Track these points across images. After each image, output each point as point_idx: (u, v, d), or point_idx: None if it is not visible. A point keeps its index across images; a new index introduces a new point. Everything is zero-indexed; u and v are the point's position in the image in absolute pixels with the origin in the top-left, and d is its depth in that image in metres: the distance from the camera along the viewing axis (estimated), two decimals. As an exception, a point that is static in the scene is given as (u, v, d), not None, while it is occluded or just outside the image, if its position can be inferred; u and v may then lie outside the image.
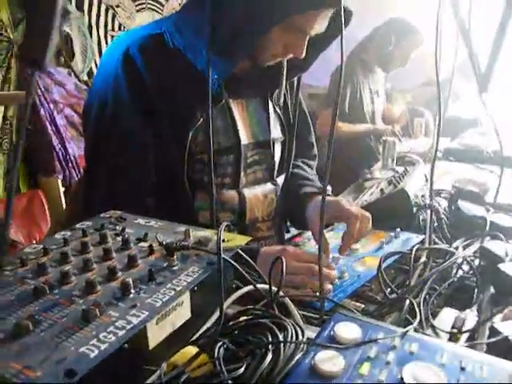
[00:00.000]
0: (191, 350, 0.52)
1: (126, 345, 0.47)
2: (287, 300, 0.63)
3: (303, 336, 0.50)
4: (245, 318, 0.58)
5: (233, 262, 0.58)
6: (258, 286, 0.62)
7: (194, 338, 0.55)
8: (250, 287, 0.63)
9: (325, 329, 0.50)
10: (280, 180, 1.13)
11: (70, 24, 2.98)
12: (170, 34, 0.92)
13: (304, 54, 0.90)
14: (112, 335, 0.46)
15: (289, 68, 1.03)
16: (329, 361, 0.44)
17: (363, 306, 0.82)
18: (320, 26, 0.90)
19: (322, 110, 2.31)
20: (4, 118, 2.69)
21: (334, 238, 1.05)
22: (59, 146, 2.85)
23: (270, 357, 0.44)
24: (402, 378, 0.43)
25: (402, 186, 1.14)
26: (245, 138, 1.02)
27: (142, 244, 0.65)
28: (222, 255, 0.58)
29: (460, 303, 0.84)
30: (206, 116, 0.88)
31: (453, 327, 0.75)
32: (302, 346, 0.47)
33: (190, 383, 0.43)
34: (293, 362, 0.45)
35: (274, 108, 1.08)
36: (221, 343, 0.47)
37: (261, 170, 1.09)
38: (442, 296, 0.86)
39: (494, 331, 0.69)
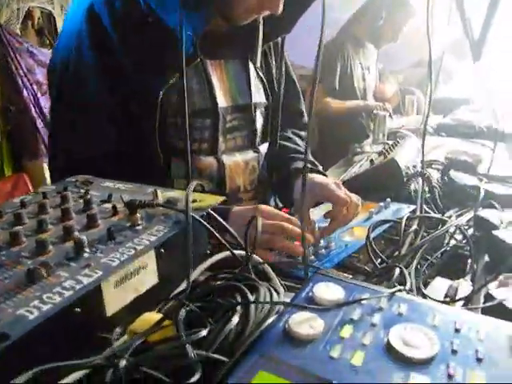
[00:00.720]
0: (153, 316, 0.47)
1: (77, 309, 0.42)
2: (265, 266, 0.57)
3: (278, 297, 0.44)
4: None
5: (202, 220, 0.52)
6: (234, 250, 0.57)
7: (159, 304, 0.49)
8: (226, 253, 0.57)
9: (303, 290, 0.45)
10: (263, 148, 1.07)
11: (53, 2, 2.88)
12: None
13: (280, 11, 0.83)
14: (57, 296, 0.40)
15: (269, 29, 0.97)
16: (305, 323, 0.38)
17: (351, 276, 0.76)
18: None
19: (310, 86, 2.25)
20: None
21: (322, 209, 1.00)
22: (44, 128, 2.77)
23: (236, 319, 0.38)
24: (388, 341, 0.37)
25: (393, 155, 1.08)
26: (223, 100, 0.96)
27: (106, 205, 0.59)
28: (191, 213, 0.52)
29: (453, 273, 0.79)
30: (180, 75, 0.82)
31: (446, 296, 0.70)
32: (275, 308, 0.42)
33: (146, 348, 0.38)
34: (265, 325, 0.39)
35: (257, 71, 1.02)
36: (184, 306, 0.41)
37: (241, 137, 1.02)
38: (435, 266, 0.81)
39: (488, 298, 0.64)
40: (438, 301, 0.67)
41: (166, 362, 0.35)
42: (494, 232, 0.79)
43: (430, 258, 0.80)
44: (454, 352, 0.37)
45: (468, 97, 2.65)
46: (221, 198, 0.59)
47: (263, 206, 0.84)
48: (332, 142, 2.14)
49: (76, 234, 0.50)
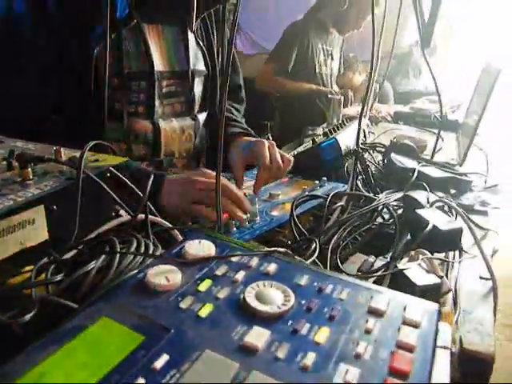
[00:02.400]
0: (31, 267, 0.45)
1: None
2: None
3: (155, 252, 0.44)
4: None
5: (92, 175, 0.51)
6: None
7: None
8: (125, 217, 0.56)
9: (177, 246, 0.44)
10: (201, 116, 1.06)
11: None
12: None
13: None
14: None
15: None
16: (162, 275, 0.38)
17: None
18: None
19: (264, 64, 2.26)
20: None
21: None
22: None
23: (91, 266, 0.37)
24: (244, 298, 0.37)
25: (334, 135, 1.08)
26: (159, 64, 0.95)
27: (4, 162, 0.57)
28: (84, 170, 0.51)
29: (377, 250, 0.79)
30: (116, 36, 0.84)
31: (358, 270, 0.71)
32: (140, 260, 0.41)
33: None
34: (126, 277, 0.39)
35: (197, 40, 1.01)
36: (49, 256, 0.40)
37: (179, 103, 1.02)
38: (359, 243, 0.81)
39: (397, 271, 0.65)
40: (351, 274, 0.69)
41: (8, 302, 0.34)
42: (417, 210, 0.80)
43: (354, 235, 0.81)
44: (308, 310, 0.37)
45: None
46: (123, 159, 0.58)
47: (205, 169, 0.85)
48: (292, 124, 2.14)
49: (-41, 185, 0.49)
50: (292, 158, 0.96)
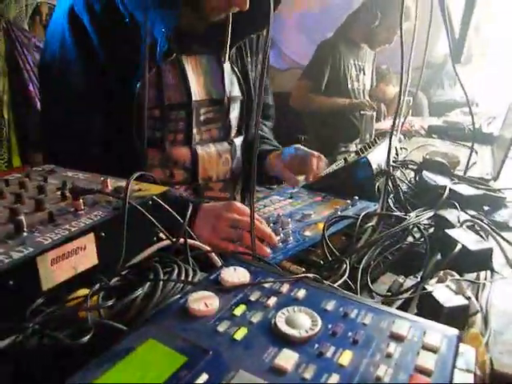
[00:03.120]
0: (85, 291, 0.51)
1: (11, 281, 0.46)
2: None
3: (194, 278, 0.48)
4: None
5: (137, 205, 0.56)
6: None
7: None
8: (165, 242, 0.61)
9: (213, 273, 0.48)
10: (238, 141, 1.11)
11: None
12: None
13: (247, 7, 0.87)
14: (-14, 268, 0.44)
15: (241, 27, 1.01)
16: (201, 301, 0.42)
17: (303, 269, 0.79)
18: None
19: (298, 82, 2.29)
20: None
21: (289, 205, 1.03)
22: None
23: (139, 292, 0.42)
24: (275, 323, 0.40)
25: (366, 154, 1.11)
26: (197, 94, 1.01)
27: (58, 192, 0.63)
28: (129, 200, 0.56)
29: (407, 269, 0.81)
30: (156, 69, 0.91)
31: (388, 290, 0.73)
32: (181, 286, 0.45)
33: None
34: (169, 302, 0.43)
35: (232, 67, 1.06)
36: (101, 282, 0.45)
37: (216, 129, 1.08)
38: (389, 262, 0.83)
39: (425, 293, 0.67)
40: (380, 295, 0.71)
41: (64, 325, 0.39)
42: (447, 230, 0.81)
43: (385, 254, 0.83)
44: (333, 334, 0.40)
45: (472, 99, 2.64)
46: (164, 188, 0.63)
47: (235, 203, 0.88)
48: (325, 138, 2.16)
49: (20, 216, 0.55)
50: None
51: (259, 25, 1.00)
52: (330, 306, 0.44)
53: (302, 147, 1.13)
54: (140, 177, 0.65)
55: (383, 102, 2.50)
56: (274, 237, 0.84)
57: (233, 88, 1.09)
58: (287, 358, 0.36)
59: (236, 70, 1.08)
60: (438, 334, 0.40)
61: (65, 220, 0.55)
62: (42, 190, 0.63)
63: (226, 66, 1.06)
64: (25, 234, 0.51)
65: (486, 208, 1.06)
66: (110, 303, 0.41)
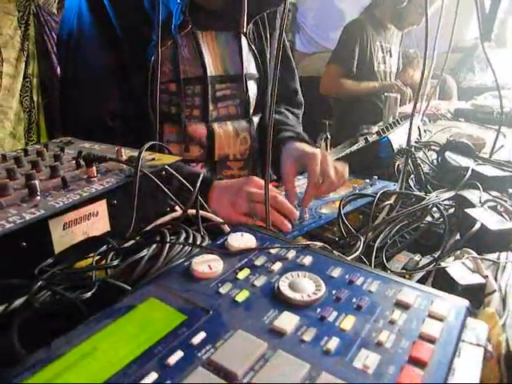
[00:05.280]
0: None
1: (23, 243, 0.47)
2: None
3: (202, 243, 0.48)
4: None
5: (148, 173, 0.56)
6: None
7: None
8: (179, 212, 0.61)
9: (221, 238, 0.48)
10: (256, 119, 1.10)
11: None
12: None
13: None
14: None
15: (258, 2, 0.99)
16: (205, 263, 0.42)
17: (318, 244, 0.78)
18: None
19: (327, 66, 2.24)
20: (24, 75, 2.73)
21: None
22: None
23: (144, 253, 0.42)
24: (278, 286, 0.40)
25: (387, 134, 1.08)
26: (212, 69, 1.00)
27: (73, 161, 0.64)
28: (141, 168, 0.56)
29: (425, 249, 0.80)
30: (172, 44, 0.90)
31: (403, 268, 0.72)
32: (191, 252, 0.45)
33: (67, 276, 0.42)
34: (174, 264, 0.43)
35: (249, 44, 1.05)
36: (108, 244, 0.45)
37: (234, 106, 1.06)
38: (406, 242, 0.81)
39: (439, 269, 0.65)
40: (396, 272, 0.70)
41: (70, 282, 0.39)
42: (467, 209, 0.79)
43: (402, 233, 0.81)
44: (337, 299, 0.39)
45: (505, 83, 2.55)
46: (176, 158, 0.63)
47: (254, 177, 0.87)
48: (350, 122, 2.12)
49: (34, 181, 0.55)
50: (347, 170, 0.92)
51: (276, 1, 0.99)
52: (336, 273, 0.43)
53: (301, 148, 0.98)
54: (154, 147, 0.66)
55: (410, 87, 2.44)
56: (294, 212, 0.83)
57: (250, 66, 1.07)
58: (287, 320, 0.36)
59: (252, 46, 1.07)
60: (446, 303, 0.39)
61: (78, 186, 0.55)
62: (58, 158, 0.64)
63: (243, 42, 1.05)
64: (38, 197, 0.52)
65: (510, 190, 1.03)
66: (115, 263, 0.41)
